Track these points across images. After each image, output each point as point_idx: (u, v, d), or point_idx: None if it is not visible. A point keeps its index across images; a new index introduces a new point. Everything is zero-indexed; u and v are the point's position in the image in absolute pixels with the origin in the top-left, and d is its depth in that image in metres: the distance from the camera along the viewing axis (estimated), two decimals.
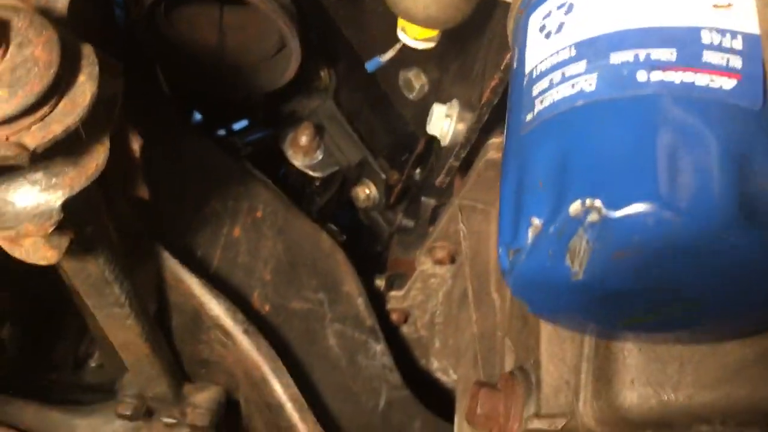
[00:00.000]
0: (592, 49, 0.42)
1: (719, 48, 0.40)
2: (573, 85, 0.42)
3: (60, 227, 0.63)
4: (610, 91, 0.40)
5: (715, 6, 0.40)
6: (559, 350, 0.60)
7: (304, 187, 1.29)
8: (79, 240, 0.69)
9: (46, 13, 0.69)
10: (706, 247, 0.38)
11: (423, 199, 1.23)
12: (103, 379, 1.17)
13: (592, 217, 0.38)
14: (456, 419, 0.89)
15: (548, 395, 0.59)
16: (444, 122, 0.82)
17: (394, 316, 1.17)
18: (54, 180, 0.60)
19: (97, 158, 0.62)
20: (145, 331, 0.90)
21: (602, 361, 0.54)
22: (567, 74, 0.42)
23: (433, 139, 1.16)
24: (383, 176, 1.24)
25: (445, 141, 0.83)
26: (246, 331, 0.95)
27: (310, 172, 1.22)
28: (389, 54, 0.78)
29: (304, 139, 1.19)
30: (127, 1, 1.04)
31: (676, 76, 0.39)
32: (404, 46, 0.77)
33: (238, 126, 1.33)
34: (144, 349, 0.93)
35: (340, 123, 1.27)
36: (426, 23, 0.69)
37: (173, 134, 1.08)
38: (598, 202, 0.38)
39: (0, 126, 0.53)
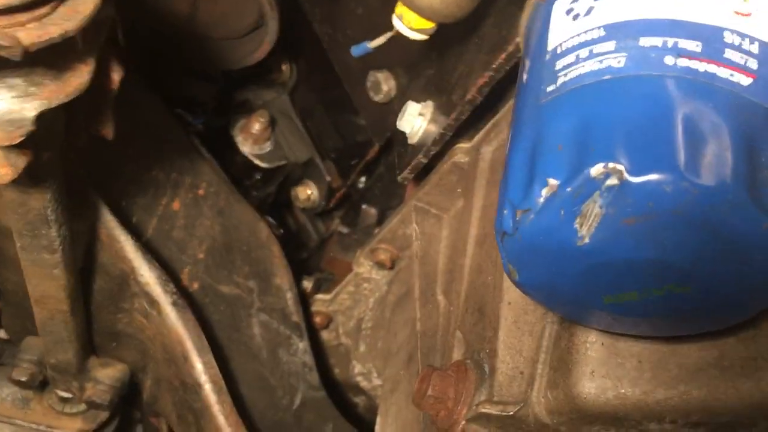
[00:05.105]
0: (621, 32, 0.44)
1: (739, 49, 0.43)
2: (601, 61, 0.44)
3: (21, 144, 0.60)
4: (638, 69, 0.43)
5: (737, 12, 0.44)
6: (517, 342, 0.61)
7: (243, 179, 1.26)
8: (33, 166, 0.65)
9: None
10: (713, 224, 0.40)
11: (363, 207, 1.24)
12: None
13: (612, 180, 0.40)
14: (379, 418, 0.88)
15: (501, 383, 0.59)
16: (416, 120, 0.83)
17: (316, 320, 1.16)
18: (32, 89, 0.57)
19: (80, 76, 0.59)
20: (70, 285, 0.86)
21: (563, 352, 0.56)
22: (595, 51, 0.45)
23: (385, 148, 1.17)
24: (327, 179, 1.24)
25: (413, 139, 0.84)
26: (174, 303, 0.91)
27: (257, 162, 1.20)
28: (379, 41, 0.78)
29: (256, 127, 1.17)
30: None
31: (700, 66, 0.42)
32: (392, 37, 0.78)
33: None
34: (63, 305, 0.88)
35: (292, 120, 1.26)
36: (426, 13, 0.70)
37: (131, 91, 1.05)
38: (620, 167, 0.40)
39: None
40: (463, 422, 0.59)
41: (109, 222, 0.89)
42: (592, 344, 0.54)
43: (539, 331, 0.59)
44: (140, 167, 1.01)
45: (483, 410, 0.58)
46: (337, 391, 1.19)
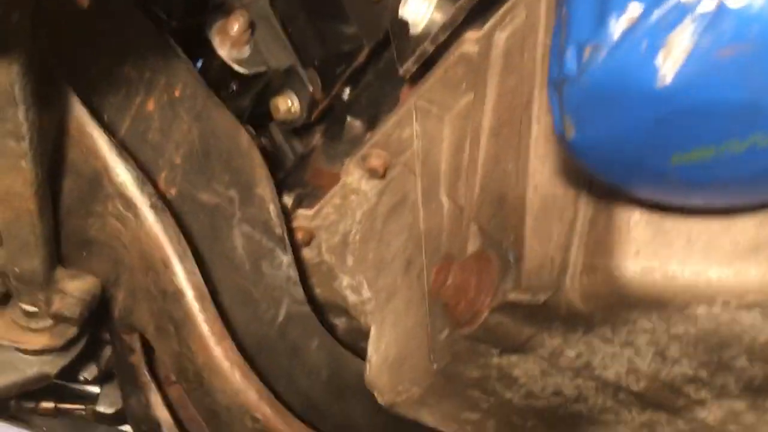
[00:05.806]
0: None
1: None
2: None
3: None
4: None
5: None
6: (545, 227, 0.56)
7: (219, 88, 1.18)
8: (1, 27, 0.57)
9: None
10: None
11: (348, 119, 1.17)
12: None
13: (709, 3, 0.35)
14: (373, 329, 0.84)
15: (530, 270, 0.55)
16: (422, 5, 0.76)
17: (298, 235, 1.10)
18: None
19: None
20: (38, 181, 0.78)
21: (601, 234, 0.51)
22: None
23: (375, 53, 1.10)
24: (310, 89, 1.17)
25: (417, 28, 0.78)
26: (153, 206, 0.84)
27: (236, 67, 1.12)
28: None
29: (235, 27, 1.09)
30: None
31: None
32: None
33: None
34: (30, 203, 0.80)
35: (272, 25, 1.18)
36: None
37: None
38: None
39: None
40: (487, 312, 0.55)
41: (81, 115, 0.82)
42: (636, 223, 0.50)
43: (571, 215, 0.54)
44: (111, 63, 0.92)
45: (510, 298, 0.53)
46: (316, 313, 1.14)
